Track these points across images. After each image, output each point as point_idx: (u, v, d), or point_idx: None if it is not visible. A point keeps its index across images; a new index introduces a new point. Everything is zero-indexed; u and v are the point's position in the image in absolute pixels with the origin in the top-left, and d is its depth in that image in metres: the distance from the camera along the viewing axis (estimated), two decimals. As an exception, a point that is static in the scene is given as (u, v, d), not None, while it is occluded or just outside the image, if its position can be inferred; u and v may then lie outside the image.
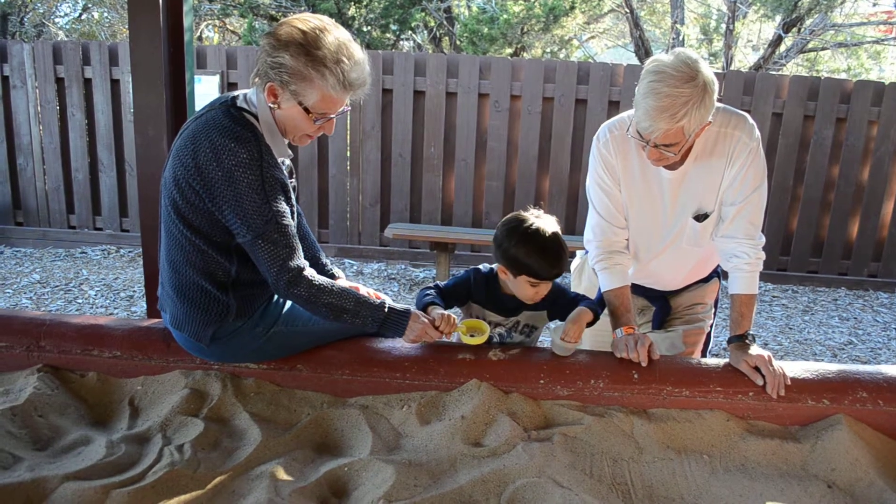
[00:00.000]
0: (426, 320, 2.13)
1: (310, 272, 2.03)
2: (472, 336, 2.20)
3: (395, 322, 2.11)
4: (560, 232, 2.22)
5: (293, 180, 2.18)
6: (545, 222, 2.20)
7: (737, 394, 2.12)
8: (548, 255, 2.15)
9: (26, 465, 1.79)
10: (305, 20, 1.93)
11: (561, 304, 2.33)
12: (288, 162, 2.16)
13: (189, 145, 1.96)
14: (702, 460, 1.98)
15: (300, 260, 2.02)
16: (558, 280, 2.31)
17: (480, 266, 2.36)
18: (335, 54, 1.90)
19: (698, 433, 2.07)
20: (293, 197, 2.11)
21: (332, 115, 2.00)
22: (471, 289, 2.32)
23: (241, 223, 1.93)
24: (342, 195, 6.50)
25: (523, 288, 2.21)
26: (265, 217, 1.93)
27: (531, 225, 2.17)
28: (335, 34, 1.93)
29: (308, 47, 1.88)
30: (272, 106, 1.98)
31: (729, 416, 2.11)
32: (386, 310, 2.10)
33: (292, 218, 2.06)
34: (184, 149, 1.97)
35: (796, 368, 2.18)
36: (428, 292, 2.26)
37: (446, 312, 2.15)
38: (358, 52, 1.96)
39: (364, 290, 2.29)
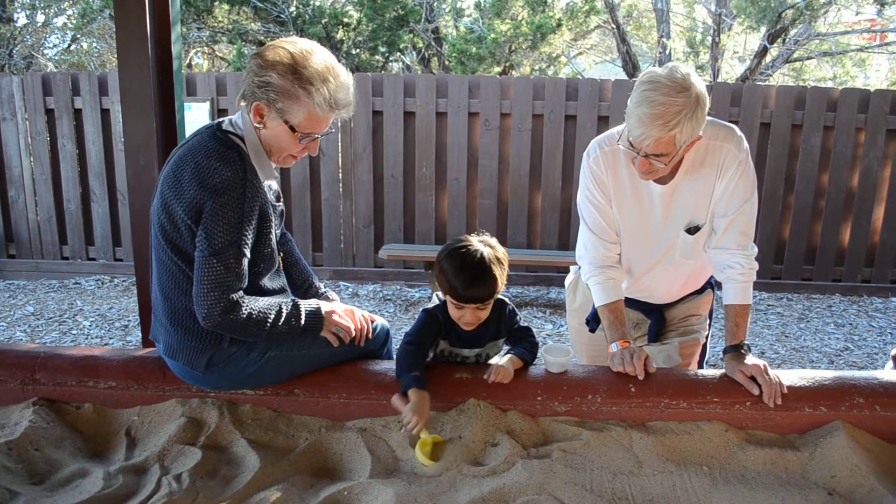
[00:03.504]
0: (339, 314, 2.17)
1: (242, 299, 1.98)
2: (427, 457, 1.97)
3: (312, 324, 2.11)
4: (497, 258, 2.08)
5: (280, 204, 2.18)
6: (481, 246, 2.09)
7: (734, 404, 2.12)
8: (465, 276, 2.04)
9: (23, 499, 1.78)
10: (293, 42, 1.96)
11: (510, 329, 2.28)
12: (275, 186, 2.16)
13: (175, 170, 1.98)
14: (701, 472, 1.98)
15: (241, 291, 1.98)
16: (510, 309, 2.26)
17: (429, 306, 2.24)
18: (322, 74, 1.92)
19: (697, 445, 2.07)
20: (275, 221, 2.10)
21: (317, 135, 2.01)
22: (440, 325, 2.21)
23: (205, 237, 1.92)
24: (335, 218, 6.51)
25: (451, 311, 2.15)
26: (230, 238, 1.92)
27: (465, 245, 2.09)
28: (322, 56, 1.96)
29: (296, 66, 1.90)
30: (258, 126, 1.99)
31: (727, 427, 2.11)
32: (303, 319, 2.08)
33: (269, 241, 2.06)
34: (170, 174, 1.99)
35: (792, 376, 2.18)
36: (410, 360, 2.12)
37: (419, 419, 1.99)
38: (343, 73, 1.99)
39: (359, 314, 2.28)
